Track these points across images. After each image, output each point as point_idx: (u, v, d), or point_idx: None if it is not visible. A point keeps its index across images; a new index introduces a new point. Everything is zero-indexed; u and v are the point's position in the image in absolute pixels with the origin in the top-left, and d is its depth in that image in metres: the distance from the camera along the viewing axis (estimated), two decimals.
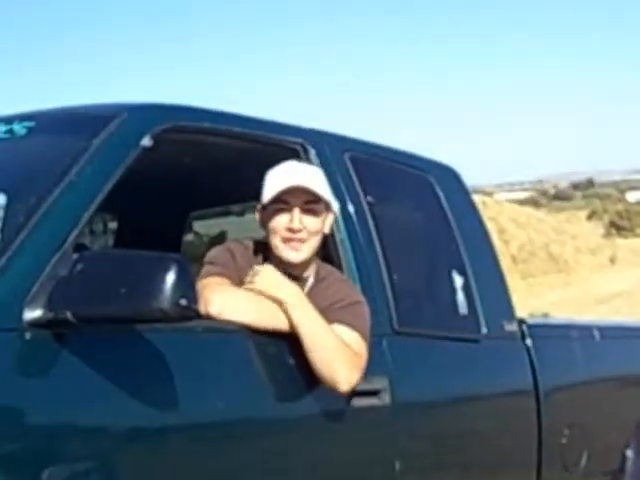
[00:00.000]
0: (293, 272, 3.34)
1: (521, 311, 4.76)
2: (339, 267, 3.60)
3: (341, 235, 3.66)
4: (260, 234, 3.50)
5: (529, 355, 4.41)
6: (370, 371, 3.33)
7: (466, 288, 4.19)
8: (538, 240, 43.41)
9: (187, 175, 4.24)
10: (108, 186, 2.94)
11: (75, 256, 2.72)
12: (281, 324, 3.19)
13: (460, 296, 4.17)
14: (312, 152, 3.70)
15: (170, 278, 2.56)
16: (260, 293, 3.21)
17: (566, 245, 45.53)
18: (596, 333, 5.06)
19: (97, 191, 2.92)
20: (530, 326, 4.51)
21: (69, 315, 2.60)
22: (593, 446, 4.74)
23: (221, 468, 3.01)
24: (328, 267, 3.50)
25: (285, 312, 3.19)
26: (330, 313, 3.27)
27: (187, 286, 2.62)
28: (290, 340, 3.19)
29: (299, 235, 3.31)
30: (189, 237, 5.22)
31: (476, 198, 5.00)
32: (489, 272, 4.43)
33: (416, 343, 3.83)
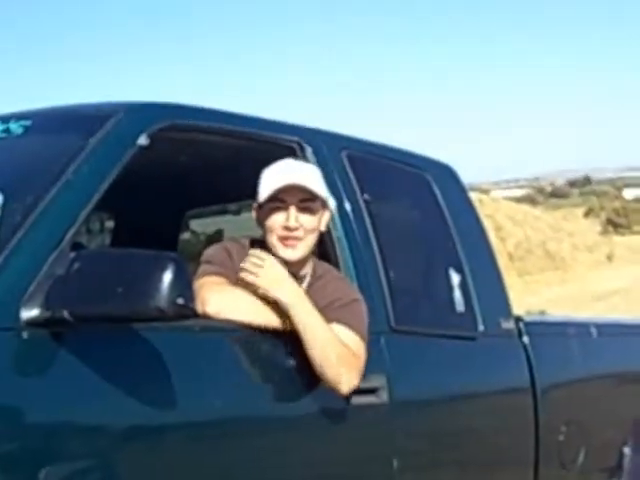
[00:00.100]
0: (289, 270, 3.34)
1: (518, 309, 4.76)
2: (336, 265, 3.61)
3: (338, 233, 3.66)
4: (257, 233, 3.49)
5: (526, 353, 4.41)
6: (368, 369, 3.33)
7: (463, 286, 4.19)
8: (535, 238, 43.46)
9: (184, 174, 4.24)
10: (105, 185, 2.94)
11: (72, 255, 2.72)
12: (278, 323, 3.19)
13: (457, 294, 4.17)
14: (309, 150, 3.70)
15: (167, 277, 2.56)
16: (261, 290, 3.20)
17: (563, 242, 45.60)
18: (593, 330, 5.06)
19: (94, 190, 2.92)
20: (527, 324, 4.51)
21: (66, 314, 2.60)
22: (590, 443, 4.74)
23: (218, 466, 3.01)
24: (325, 265, 3.50)
25: (285, 310, 3.18)
26: (328, 312, 3.27)
27: (184, 285, 2.62)
28: (287, 338, 3.19)
29: (295, 233, 3.31)
30: (186, 236, 5.22)
31: (473, 196, 5.00)
32: (486, 270, 4.44)
33: (413, 341, 3.83)
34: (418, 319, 3.97)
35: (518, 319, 4.51)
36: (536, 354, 4.42)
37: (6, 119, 3.40)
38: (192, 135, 3.44)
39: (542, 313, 14.76)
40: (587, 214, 71.08)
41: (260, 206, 3.37)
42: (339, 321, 3.27)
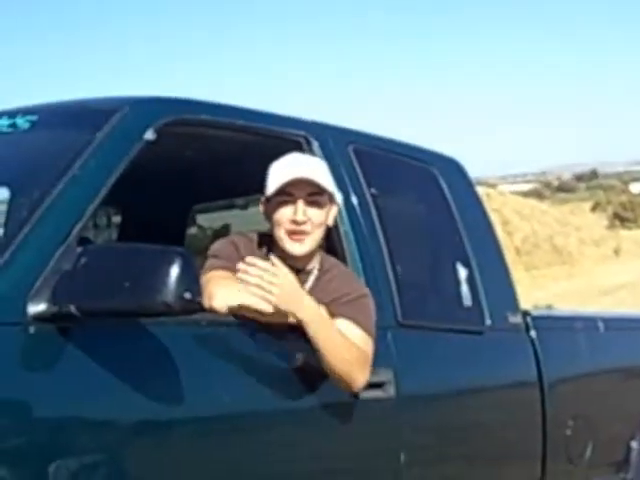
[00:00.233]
0: (297, 264, 3.34)
1: (525, 303, 4.76)
2: (343, 259, 3.60)
3: (345, 227, 3.66)
4: (264, 227, 3.49)
5: (533, 347, 4.41)
6: (375, 363, 3.32)
7: (470, 280, 4.19)
8: (542, 232, 43.42)
9: (190, 168, 4.24)
10: (111, 180, 2.94)
11: (79, 250, 2.72)
12: (285, 318, 3.18)
13: (464, 288, 4.16)
14: (315, 144, 3.69)
15: (174, 272, 2.56)
16: (276, 308, 3.06)
17: (570, 237, 45.54)
18: (600, 325, 5.06)
19: (100, 185, 2.91)
20: (534, 318, 4.51)
21: (73, 309, 2.61)
22: (598, 438, 4.74)
23: (226, 461, 3.01)
24: (332, 259, 3.50)
25: (301, 326, 3.13)
26: (335, 307, 3.26)
27: (191, 279, 2.62)
28: (294, 333, 3.18)
29: (303, 227, 3.31)
30: (193, 230, 5.22)
31: (480, 190, 5.00)
32: (493, 264, 4.43)
33: (420, 335, 3.83)
34: (425, 313, 3.97)
35: (525, 313, 4.50)
36: (543, 348, 4.42)
37: (13, 114, 3.40)
38: (199, 129, 3.44)
39: (549, 307, 14.76)
40: (594, 208, 70.95)
41: (268, 200, 3.37)
42: (346, 316, 3.27)
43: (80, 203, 2.85)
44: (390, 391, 3.51)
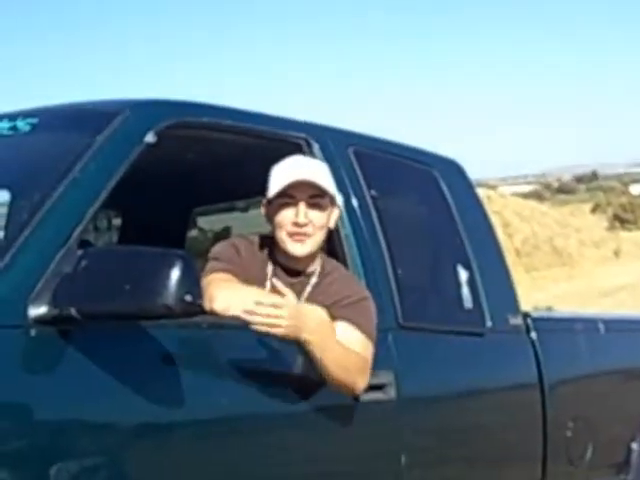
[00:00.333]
0: (298, 266, 3.34)
1: (525, 305, 4.76)
2: (343, 261, 3.60)
3: (345, 230, 3.66)
4: (264, 229, 3.49)
5: (534, 348, 4.41)
6: (376, 366, 3.33)
7: (471, 282, 4.19)
8: (542, 233, 43.41)
9: (191, 171, 4.24)
10: (112, 182, 2.94)
11: (79, 252, 2.72)
12: None
13: (465, 290, 4.17)
14: (316, 147, 3.70)
15: (175, 274, 2.57)
16: (282, 334, 3.03)
17: (570, 238, 45.52)
18: (601, 326, 5.06)
19: (101, 187, 2.92)
20: (535, 319, 4.51)
21: (74, 312, 2.61)
22: (598, 439, 4.74)
23: (226, 463, 3.01)
24: (333, 262, 3.50)
25: (306, 347, 3.11)
26: (336, 310, 3.26)
27: (192, 282, 2.62)
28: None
29: (304, 229, 3.31)
30: (193, 233, 5.23)
31: (480, 192, 5.00)
32: (494, 266, 4.43)
33: (421, 337, 3.84)
34: (426, 315, 3.97)
35: (526, 315, 4.51)
36: (544, 350, 4.42)
37: (13, 117, 3.40)
38: (199, 132, 3.44)
39: (549, 309, 14.75)
40: (594, 210, 70.88)
41: (269, 202, 3.37)
42: (347, 319, 3.26)
43: (81, 206, 2.86)
44: (391, 393, 3.51)
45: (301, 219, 3.30)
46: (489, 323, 4.20)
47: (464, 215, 4.31)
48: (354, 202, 3.74)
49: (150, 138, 3.09)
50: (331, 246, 3.62)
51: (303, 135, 3.70)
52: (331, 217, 3.41)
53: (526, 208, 47.27)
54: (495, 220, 5.84)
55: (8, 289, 2.63)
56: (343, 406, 3.33)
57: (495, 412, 4.18)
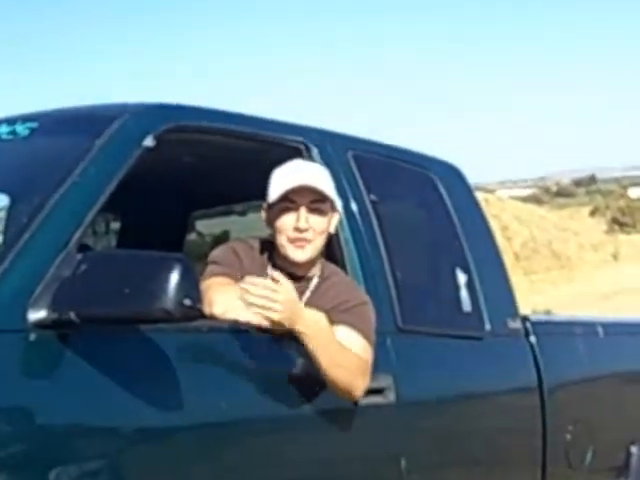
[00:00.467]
0: (298, 271, 3.34)
1: (524, 308, 4.75)
2: (342, 265, 3.60)
3: (345, 234, 3.66)
4: (263, 233, 3.49)
5: (533, 352, 4.41)
6: (375, 369, 3.33)
7: (469, 285, 4.19)
8: (541, 237, 43.40)
9: (189, 175, 4.24)
10: (111, 186, 2.94)
11: (79, 257, 2.72)
12: (285, 326, 3.18)
13: (464, 293, 4.17)
14: (315, 151, 3.70)
15: (174, 278, 2.56)
16: (278, 323, 3.04)
17: (569, 242, 45.52)
18: (600, 330, 5.06)
19: (100, 191, 2.92)
20: (534, 323, 4.51)
21: (73, 316, 2.61)
22: (598, 443, 4.73)
23: (225, 467, 3.01)
24: (332, 267, 3.50)
25: (302, 340, 3.12)
26: (335, 314, 3.25)
27: (191, 286, 2.62)
28: (294, 340, 3.18)
29: (305, 235, 3.31)
30: (192, 237, 5.22)
31: (479, 195, 5.00)
32: (492, 269, 4.43)
33: (420, 341, 3.83)
34: (425, 319, 3.97)
35: (525, 319, 4.50)
36: (543, 354, 4.42)
37: (12, 121, 3.40)
38: (198, 136, 3.44)
39: (548, 312, 14.75)
40: (593, 213, 70.90)
41: (270, 206, 3.36)
42: (346, 323, 3.26)
43: (80, 210, 2.86)
44: (390, 397, 3.51)
45: (302, 224, 3.29)
46: (488, 327, 4.20)
47: (463, 219, 4.31)
48: (353, 206, 3.74)
49: (149, 142, 3.09)
50: (330, 250, 3.61)
51: (302, 139, 3.70)
52: (331, 222, 3.41)
53: (525, 211, 47.28)
54: (493, 224, 5.84)
55: (8, 293, 2.63)
56: (342, 410, 3.33)
57: (494, 416, 4.18)
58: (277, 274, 3.11)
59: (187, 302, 2.58)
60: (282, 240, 3.32)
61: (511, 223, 42.20)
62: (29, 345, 2.61)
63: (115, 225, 4.97)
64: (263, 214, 3.42)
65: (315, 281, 3.40)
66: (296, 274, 3.33)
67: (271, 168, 3.39)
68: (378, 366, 3.37)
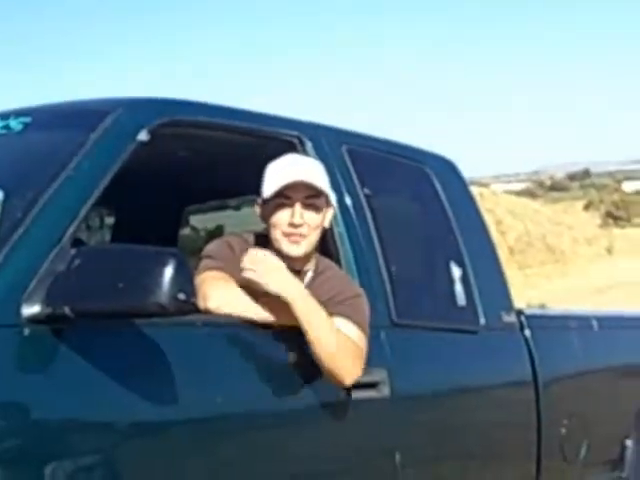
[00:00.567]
0: (293, 266, 3.34)
1: (518, 302, 4.76)
2: (337, 259, 3.60)
3: (339, 228, 3.66)
4: (257, 228, 3.49)
5: (528, 346, 4.41)
6: (369, 363, 3.33)
7: (464, 279, 4.19)
8: (535, 231, 43.47)
9: (184, 169, 4.24)
10: (105, 181, 2.94)
11: (73, 251, 2.71)
12: (280, 318, 3.18)
13: (458, 287, 4.17)
14: (309, 145, 3.69)
15: (168, 272, 2.56)
16: (262, 286, 3.16)
17: (563, 236, 45.60)
18: (594, 323, 5.07)
19: (94, 186, 2.91)
20: (528, 317, 4.51)
21: (67, 310, 2.60)
22: (593, 436, 4.74)
23: (220, 461, 3.01)
24: (326, 261, 3.50)
25: (288, 304, 3.16)
26: (329, 306, 3.26)
27: (185, 280, 2.61)
28: (289, 333, 3.18)
29: (300, 230, 3.30)
30: (186, 231, 5.22)
31: (473, 190, 5.00)
32: (487, 263, 4.44)
33: (414, 335, 3.83)
34: (419, 313, 3.97)
35: (519, 312, 4.51)
36: (538, 347, 4.42)
37: (6, 116, 3.39)
38: (192, 130, 3.43)
39: (543, 306, 14.77)
40: (587, 207, 71.04)
41: (264, 202, 3.36)
42: (340, 315, 3.27)
43: (74, 204, 2.85)
44: (384, 391, 3.50)
45: (297, 220, 3.29)
46: (482, 320, 4.21)
47: (457, 213, 4.31)
48: (347, 200, 3.74)
49: (143, 136, 3.09)
50: (325, 244, 3.61)
51: (296, 133, 3.70)
52: (326, 217, 3.41)
53: (519, 206, 47.36)
54: (488, 218, 5.84)
55: (1, 288, 2.62)
56: (337, 404, 3.33)
57: (489, 409, 4.18)
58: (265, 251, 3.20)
59: (181, 296, 2.58)
60: (277, 234, 3.32)
61: (505, 217, 42.26)
62: (23, 340, 2.61)
63: (109, 220, 4.96)
64: (257, 209, 3.42)
65: (310, 275, 3.40)
66: (290, 268, 3.33)
67: (266, 162, 3.39)
68: (372, 360, 3.38)
